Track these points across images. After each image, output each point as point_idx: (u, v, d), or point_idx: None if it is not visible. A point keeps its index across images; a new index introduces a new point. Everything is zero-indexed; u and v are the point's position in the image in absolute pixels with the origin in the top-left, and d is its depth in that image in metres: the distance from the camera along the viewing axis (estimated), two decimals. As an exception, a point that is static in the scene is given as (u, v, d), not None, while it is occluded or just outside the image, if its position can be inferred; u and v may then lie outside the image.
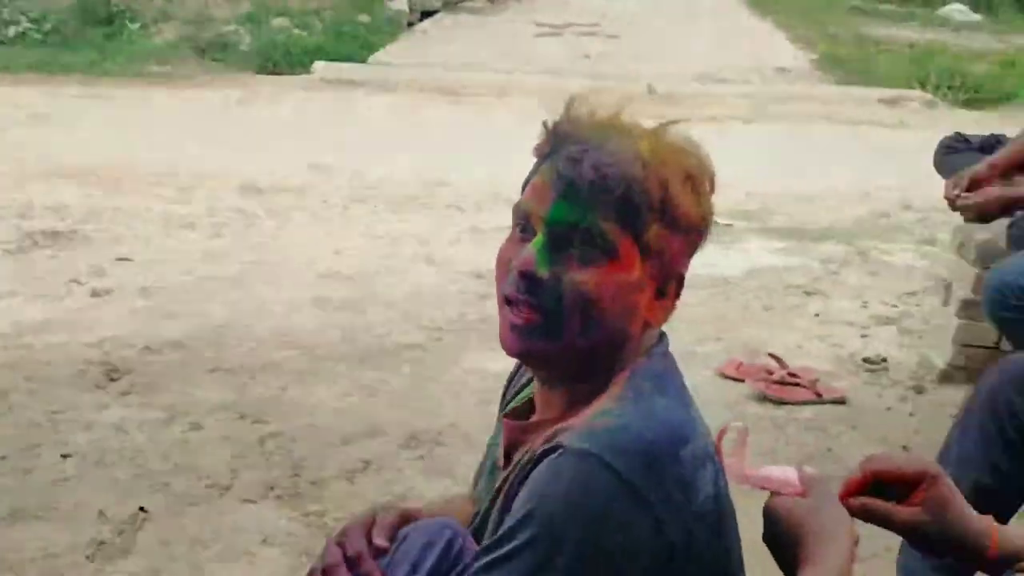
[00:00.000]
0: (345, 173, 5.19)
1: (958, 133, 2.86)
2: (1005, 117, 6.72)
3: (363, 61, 8.15)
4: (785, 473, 0.97)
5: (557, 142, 0.99)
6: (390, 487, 2.28)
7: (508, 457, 1.02)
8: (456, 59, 8.36)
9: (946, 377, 2.88)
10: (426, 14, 10.04)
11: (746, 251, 4.33)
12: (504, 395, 1.15)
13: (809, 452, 2.51)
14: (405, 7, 9.59)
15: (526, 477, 0.91)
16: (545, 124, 1.02)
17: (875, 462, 0.93)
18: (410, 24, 9.64)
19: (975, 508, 1.60)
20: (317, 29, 8.60)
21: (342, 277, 3.77)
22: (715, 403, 2.79)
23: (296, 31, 8.38)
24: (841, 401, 2.79)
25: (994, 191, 2.33)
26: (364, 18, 9.05)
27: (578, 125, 0.99)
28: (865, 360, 3.10)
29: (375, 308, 3.45)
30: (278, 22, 8.49)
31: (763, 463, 1.01)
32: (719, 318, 3.46)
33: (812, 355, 3.15)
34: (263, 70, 7.69)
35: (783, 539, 0.92)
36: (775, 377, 2.84)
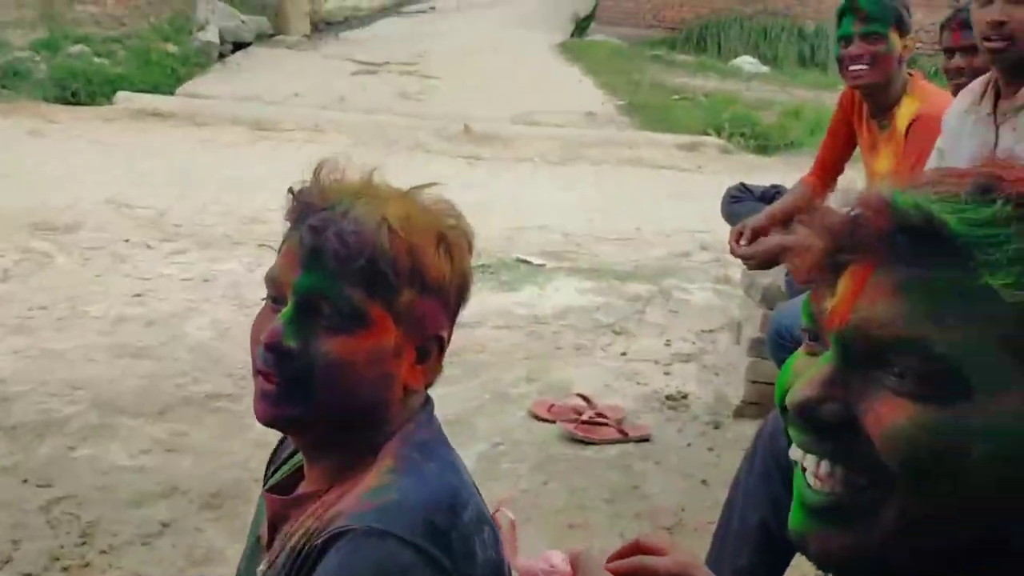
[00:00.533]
0: (149, 210, 4.97)
1: (742, 183, 3.08)
2: (790, 162, 7.29)
3: (171, 92, 7.84)
4: (551, 559, 0.97)
5: (303, 210, 0.98)
6: (191, 551, 2.17)
7: (272, 535, 0.98)
8: (270, 94, 8.20)
9: (740, 412, 3.07)
10: (239, 46, 9.78)
11: (559, 291, 4.47)
12: (267, 470, 1.12)
13: (616, 490, 2.60)
14: (216, 38, 9.30)
15: (297, 559, 0.89)
16: (291, 191, 1.00)
17: (644, 541, 0.91)
18: (221, 56, 9.36)
19: (765, 546, 1.71)
20: (120, 58, 8.21)
21: (143, 321, 3.59)
22: (527, 444, 2.86)
23: (97, 59, 7.96)
24: (646, 439, 2.92)
25: (772, 241, 2.54)
26: (172, 48, 8.72)
27: (324, 192, 0.98)
28: (668, 397, 3.25)
29: (178, 355, 3.31)
30: (76, 49, 8.04)
31: (555, 525, 1.02)
32: (533, 358, 3.54)
33: (620, 393, 3.28)
34: (60, 100, 7.25)
35: None
36: (584, 417, 2.93)
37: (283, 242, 0.99)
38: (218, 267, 4.27)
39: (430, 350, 1.00)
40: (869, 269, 0.61)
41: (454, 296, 1.00)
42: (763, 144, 7.90)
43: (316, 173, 1.00)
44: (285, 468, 1.07)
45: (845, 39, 2.54)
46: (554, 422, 2.96)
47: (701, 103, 9.07)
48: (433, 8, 14.08)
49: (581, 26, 12.90)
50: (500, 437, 2.88)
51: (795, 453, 0.64)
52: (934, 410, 0.57)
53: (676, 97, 9.30)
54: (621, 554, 0.88)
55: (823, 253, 0.64)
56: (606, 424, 2.92)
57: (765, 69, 10.70)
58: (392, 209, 0.96)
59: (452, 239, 0.99)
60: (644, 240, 5.46)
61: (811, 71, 10.71)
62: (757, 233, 2.59)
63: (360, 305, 0.93)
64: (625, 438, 2.89)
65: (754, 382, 3.02)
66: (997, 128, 2.02)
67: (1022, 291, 0.57)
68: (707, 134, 8.10)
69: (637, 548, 0.88)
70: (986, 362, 0.57)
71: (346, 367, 0.93)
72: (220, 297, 3.91)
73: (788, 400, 0.62)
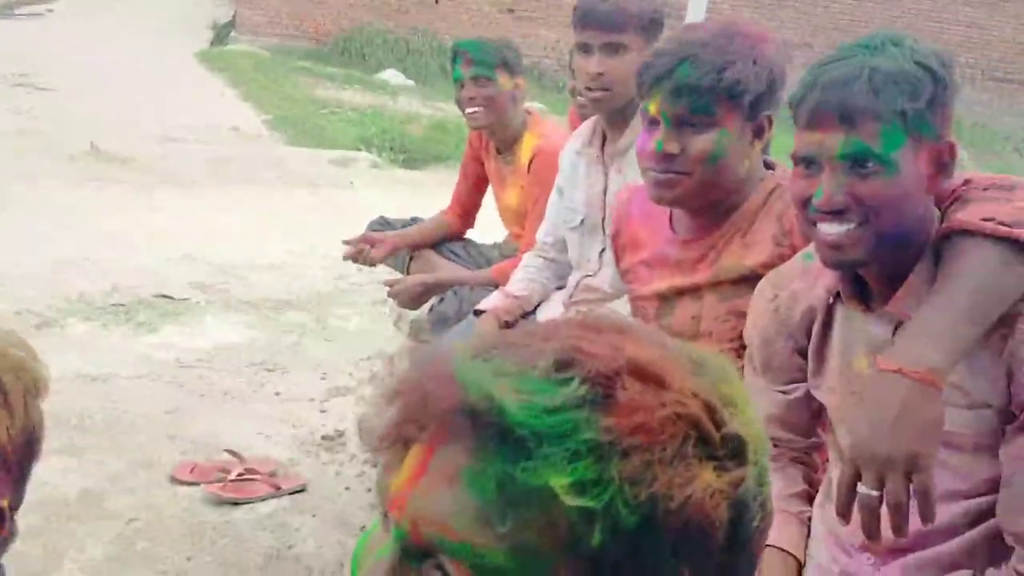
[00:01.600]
0: None
1: (382, 217, 3.06)
2: (439, 176, 7.46)
3: None
4: None
5: None
6: None
7: None
8: None
9: (398, 447, 3.02)
10: None
11: (207, 329, 4.17)
12: None
13: (269, 554, 2.44)
14: None
15: None
16: None
17: None
18: None
19: None
20: None
21: None
22: (169, 516, 2.60)
23: None
24: (301, 489, 2.78)
25: (412, 280, 2.53)
26: None
27: None
28: (324, 438, 3.13)
29: None
30: None
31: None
32: (174, 412, 3.25)
33: (274, 440, 3.10)
34: None
35: None
36: (232, 476, 2.73)
37: None
38: None
39: None
40: (431, 449, 0.55)
41: (17, 455, 0.83)
42: (412, 158, 8.03)
43: None
44: None
45: (459, 83, 2.61)
46: (198, 484, 2.72)
47: (350, 117, 9.02)
48: (51, 10, 12.73)
49: (221, 34, 12.32)
50: (137, 512, 2.59)
51: None
52: None
53: (325, 111, 9.18)
54: None
55: (391, 422, 0.56)
56: (257, 480, 2.73)
57: (411, 83, 10.90)
58: None
59: (10, 388, 0.82)
60: (300, 264, 5.27)
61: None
62: (374, 241, 2.69)
63: None
64: (278, 492, 2.73)
65: (410, 415, 2.99)
66: (606, 170, 2.14)
67: (583, 496, 0.51)
68: (358, 149, 8.06)
69: None
70: None
71: None
72: None
73: None
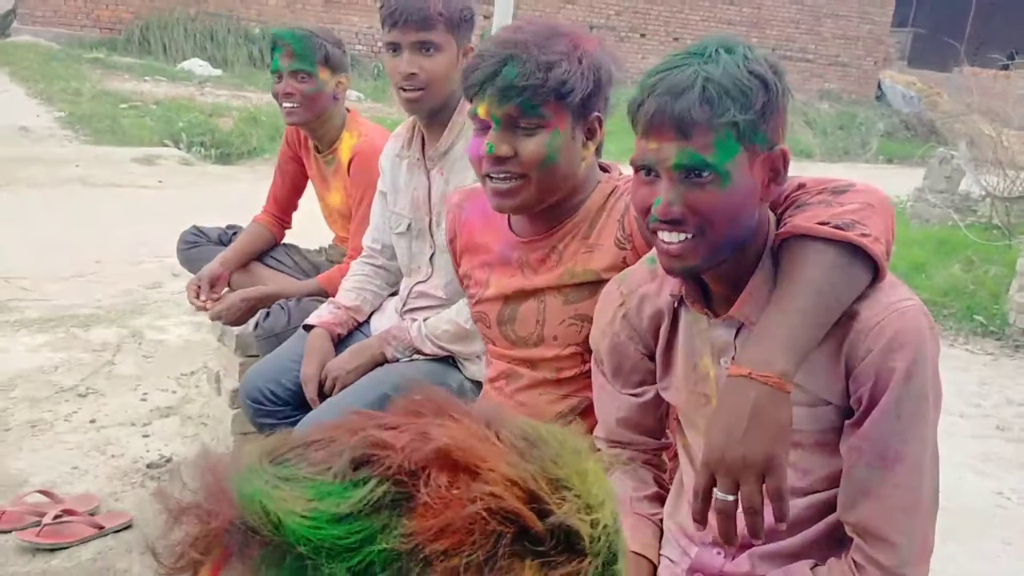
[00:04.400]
0: None
1: (195, 227, 2.87)
2: (255, 170, 7.16)
3: None
4: None
5: None
6: None
7: None
8: None
9: (231, 467, 2.86)
10: None
11: (4, 353, 3.82)
12: None
13: (96, 603, 2.25)
14: None
15: None
16: None
17: None
18: None
19: None
20: None
21: None
22: (-25, 573, 2.35)
23: None
24: (127, 526, 2.57)
25: (234, 297, 2.38)
26: None
27: None
28: (149, 466, 2.93)
29: None
30: None
31: None
32: (-27, 452, 2.95)
33: (92, 474, 2.87)
34: None
35: None
36: (48, 519, 2.49)
37: None
38: None
39: None
40: (214, 572, 0.48)
41: None
42: (225, 152, 7.68)
43: None
44: None
45: (277, 74, 2.47)
46: (10, 532, 2.47)
47: (153, 111, 8.51)
48: None
49: (1, 25, 11.33)
50: (-65, 573, 2.33)
51: None
52: None
53: (125, 106, 8.62)
54: None
55: (178, 545, 0.49)
56: (76, 521, 2.51)
57: (217, 72, 10.41)
58: None
59: None
60: (107, 273, 4.93)
61: (263, 73, 10.69)
62: (213, 282, 2.46)
63: None
64: (101, 532, 2.52)
65: (244, 434, 2.83)
66: (428, 173, 2.07)
67: None
68: (164, 145, 7.63)
69: None
70: None
71: None
72: None
73: None
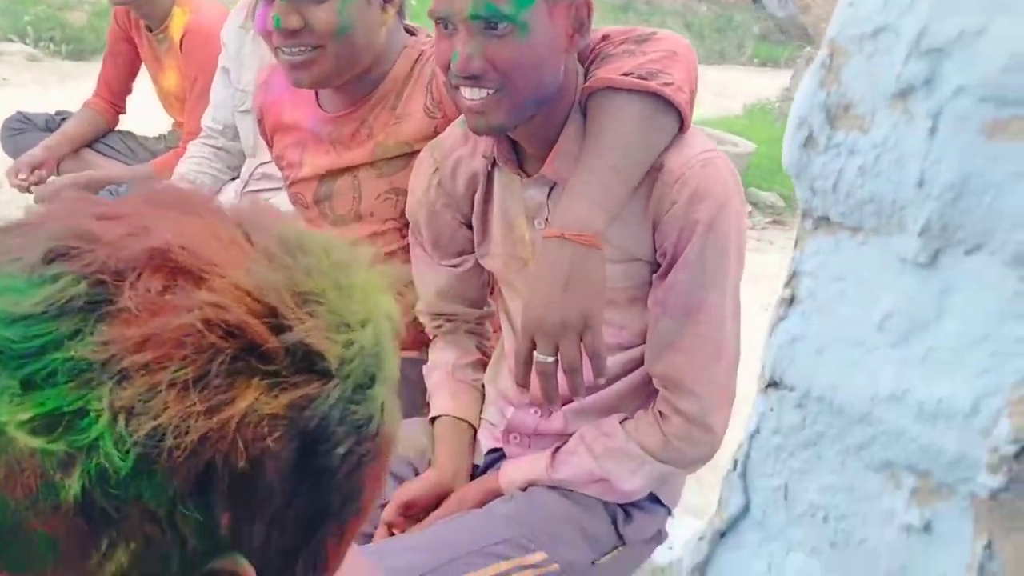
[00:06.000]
0: None
1: (20, 113, 2.69)
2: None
3: None
4: None
5: None
6: None
7: None
8: None
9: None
10: None
11: None
12: None
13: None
14: None
15: None
16: None
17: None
18: None
19: None
20: None
21: None
22: None
23: None
24: None
25: (61, 181, 2.25)
26: None
27: None
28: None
29: None
30: None
31: None
32: None
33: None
34: None
35: None
36: None
37: None
38: None
39: None
40: None
41: None
42: (77, 48, 7.19)
43: None
44: None
45: None
46: None
47: (-5, 3, 7.89)
48: None
49: None
50: None
51: None
52: None
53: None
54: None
55: None
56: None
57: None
58: None
59: None
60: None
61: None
62: (35, 167, 2.36)
63: None
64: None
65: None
66: None
67: (52, 435, 0.40)
68: (10, 40, 7.09)
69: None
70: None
71: None
72: None
73: None
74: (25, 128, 2.60)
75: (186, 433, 0.41)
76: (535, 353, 1.11)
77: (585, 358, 1.11)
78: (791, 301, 0.62)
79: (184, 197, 0.49)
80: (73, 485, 0.40)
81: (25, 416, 0.40)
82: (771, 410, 0.63)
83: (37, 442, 0.40)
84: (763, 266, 3.54)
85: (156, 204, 0.48)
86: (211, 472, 0.42)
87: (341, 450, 0.46)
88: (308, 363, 0.45)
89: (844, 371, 0.59)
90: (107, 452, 0.40)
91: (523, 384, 1.14)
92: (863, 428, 0.58)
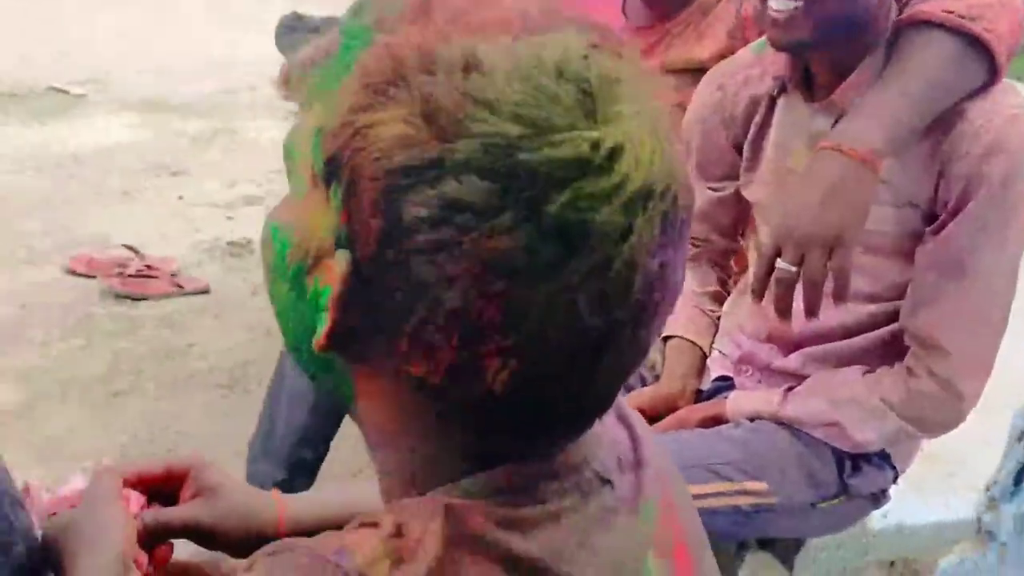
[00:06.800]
0: None
1: (295, 13, 2.85)
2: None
3: None
4: (75, 485, 0.74)
5: None
6: None
7: None
8: None
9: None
10: None
11: (97, 126, 3.94)
12: None
13: (170, 350, 2.37)
14: None
15: None
16: None
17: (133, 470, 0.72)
18: None
19: (310, 441, 1.61)
20: None
21: None
22: (60, 304, 2.50)
23: None
24: (204, 291, 2.69)
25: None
26: None
27: None
28: (230, 243, 3.03)
29: None
30: None
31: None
32: (67, 203, 3.09)
33: (174, 242, 2.98)
34: None
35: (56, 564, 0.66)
36: (130, 271, 2.62)
37: None
38: None
39: None
40: None
41: None
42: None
43: None
44: None
45: None
46: (95, 277, 2.62)
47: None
48: None
49: None
50: (26, 298, 2.48)
51: None
52: None
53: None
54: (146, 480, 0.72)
55: None
56: (156, 277, 2.63)
57: None
58: None
59: None
60: (200, 71, 4.96)
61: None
62: None
63: None
64: (181, 291, 2.64)
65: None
66: None
67: None
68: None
69: (138, 483, 0.71)
70: None
71: None
72: None
73: None
74: (297, 27, 2.78)
75: None
76: (778, 260, 1.07)
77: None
78: None
79: None
80: None
81: None
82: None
83: None
84: None
85: None
86: None
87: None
88: None
89: None
90: None
91: (758, 292, 1.11)
92: None
